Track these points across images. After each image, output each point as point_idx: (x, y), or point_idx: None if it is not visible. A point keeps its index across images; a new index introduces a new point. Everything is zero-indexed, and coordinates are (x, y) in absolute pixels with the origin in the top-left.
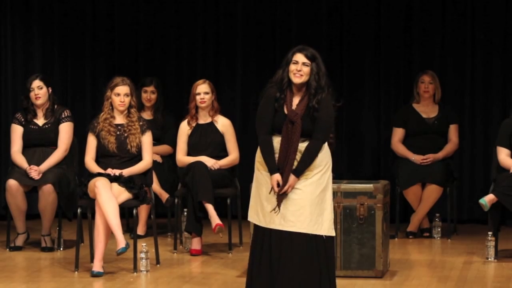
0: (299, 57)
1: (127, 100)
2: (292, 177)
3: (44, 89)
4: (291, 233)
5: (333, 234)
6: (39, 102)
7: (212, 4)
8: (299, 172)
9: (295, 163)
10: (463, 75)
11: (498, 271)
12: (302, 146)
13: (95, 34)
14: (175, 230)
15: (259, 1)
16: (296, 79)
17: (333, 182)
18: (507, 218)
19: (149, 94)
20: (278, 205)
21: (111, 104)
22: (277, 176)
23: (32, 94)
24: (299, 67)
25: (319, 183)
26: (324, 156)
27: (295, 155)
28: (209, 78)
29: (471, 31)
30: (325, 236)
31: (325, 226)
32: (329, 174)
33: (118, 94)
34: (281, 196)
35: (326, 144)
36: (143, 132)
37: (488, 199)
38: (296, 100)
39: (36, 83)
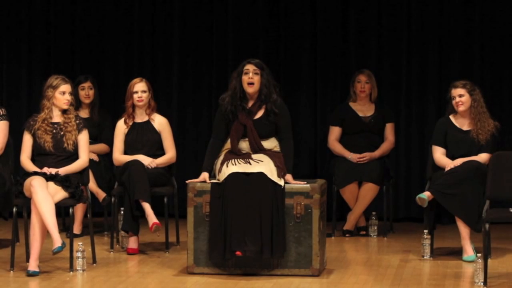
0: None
1: (71, 98)
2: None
3: None
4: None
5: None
6: None
7: (148, 3)
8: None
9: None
10: (399, 74)
11: (433, 269)
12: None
13: (30, 32)
14: (111, 229)
15: (197, 1)
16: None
17: None
18: (442, 216)
19: (87, 90)
20: None
21: (52, 104)
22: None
23: None
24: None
25: None
26: None
27: None
28: (145, 76)
29: (407, 30)
30: None
31: None
32: None
33: (64, 93)
34: None
35: None
36: (79, 130)
37: (427, 195)
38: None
39: None
